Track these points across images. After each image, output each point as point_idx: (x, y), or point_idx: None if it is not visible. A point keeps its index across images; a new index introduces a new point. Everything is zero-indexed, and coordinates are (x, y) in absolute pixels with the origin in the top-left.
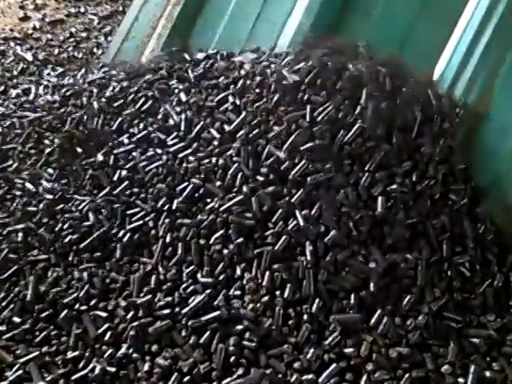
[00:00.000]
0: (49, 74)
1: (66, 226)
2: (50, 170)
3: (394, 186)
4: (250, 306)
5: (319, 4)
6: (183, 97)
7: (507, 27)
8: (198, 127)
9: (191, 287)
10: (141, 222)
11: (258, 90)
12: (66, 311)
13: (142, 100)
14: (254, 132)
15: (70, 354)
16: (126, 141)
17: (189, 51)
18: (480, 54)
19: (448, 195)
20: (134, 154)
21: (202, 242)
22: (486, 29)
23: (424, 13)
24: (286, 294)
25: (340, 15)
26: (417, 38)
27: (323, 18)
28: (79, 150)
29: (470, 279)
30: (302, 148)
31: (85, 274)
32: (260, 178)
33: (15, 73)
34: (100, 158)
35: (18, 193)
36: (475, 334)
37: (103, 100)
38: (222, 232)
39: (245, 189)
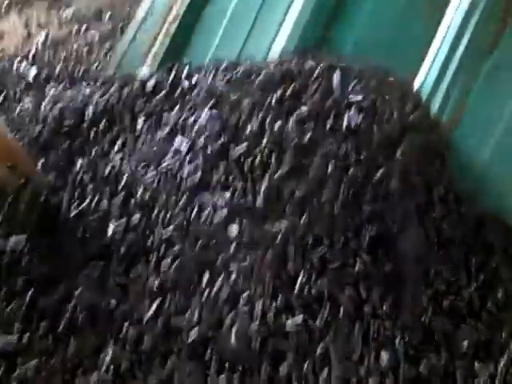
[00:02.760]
0: (51, 90)
1: None
2: None
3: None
4: None
5: (307, 18)
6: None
7: (478, 44)
8: None
9: None
10: None
11: None
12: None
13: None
14: None
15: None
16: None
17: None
18: (454, 68)
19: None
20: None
21: None
22: (460, 43)
23: (409, 21)
24: None
25: (327, 27)
26: (402, 46)
27: (310, 32)
28: None
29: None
30: None
31: None
32: None
33: (18, 90)
34: None
35: None
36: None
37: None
38: None
39: None
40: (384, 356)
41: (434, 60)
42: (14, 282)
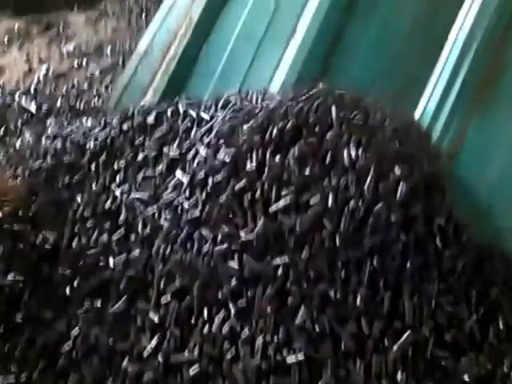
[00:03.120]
0: (51, 124)
1: None
2: None
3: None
4: None
5: (308, 49)
6: None
7: (477, 74)
8: None
9: None
10: None
11: None
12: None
13: None
14: None
15: None
16: None
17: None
18: (454, 98)
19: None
20: None
21: None
22: (459, 74)
23: (408, 53)
24: None
25: (327, 59)
26: (402, 77)
27: (311, 64)
28: None
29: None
30: None
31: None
32: None
33: (19, 124)
34: None
35: None
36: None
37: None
38: None
39: None
40: None
41: (433, 90)
42: (12, 319)
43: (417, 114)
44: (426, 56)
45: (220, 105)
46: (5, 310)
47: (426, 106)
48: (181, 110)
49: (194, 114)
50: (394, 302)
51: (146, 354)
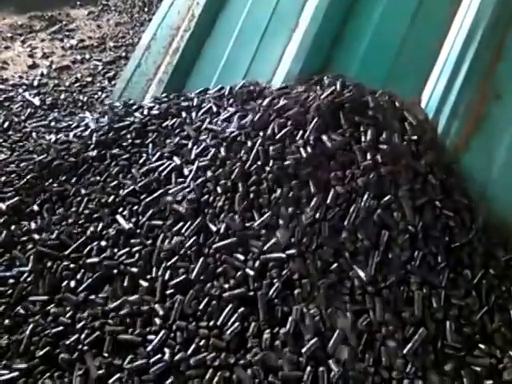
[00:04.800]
0: (55, 117)
1: None
2: None
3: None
4: None
5: (311, 41)
6: None
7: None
8: None
9: None
10: None
11: None
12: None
13: None
14: None
15: None
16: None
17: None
18: (459, 87)
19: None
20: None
21: None
22: (464, 61)
23: (411, 41)
24: None
25: (331, 49)
26: (404, 68)
27: (314, 56)
28: None
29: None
30: None
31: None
32: None
33: (23, 117)
34: None
35: None
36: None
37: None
38: None
39: None
40: None
41: (438, 80)
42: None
43: (422, 103)
44: (427, 49)
45: (224, 95)
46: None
47: (431, 96)
48: (183, 103)
49: (196, 106)
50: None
51: None
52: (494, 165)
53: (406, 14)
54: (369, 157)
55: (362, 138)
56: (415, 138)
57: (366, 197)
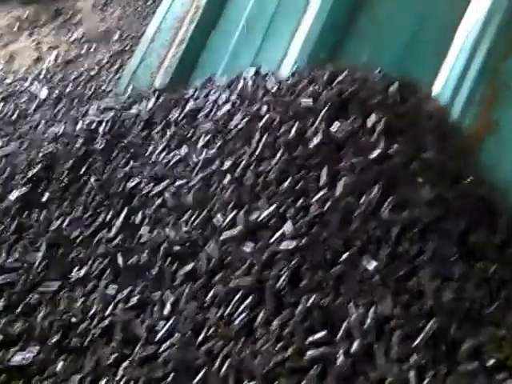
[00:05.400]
0: (62, 109)
1: None
2: None
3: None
4: None
5: (320, 28)
6: None
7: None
8: None
9: None
10: None
11: None
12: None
13: None
14: None
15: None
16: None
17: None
18: (474, 74)
19: None
20: None
21: None
22: (481, 46)
23: (422, 30)
24: None
25: (338, 40)
26: (415, 55)
27: (324, 42)
28: None
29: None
30: None
31: None
32: None
33: (30, 109)
34: None
35: None
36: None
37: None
38: None
39: None
40: None
41: (453, 66)
42: None
43: (435, 89)
44: (440, 37)
45: (231, 83)
46: None
47: (445, 82)
48: (190, 93)
49: (202, 96)
50: None
51: None
52: (510, 155)
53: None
54: (380, 147)
55: (373, 128)
56: (428, 127)
57: (376, 187)
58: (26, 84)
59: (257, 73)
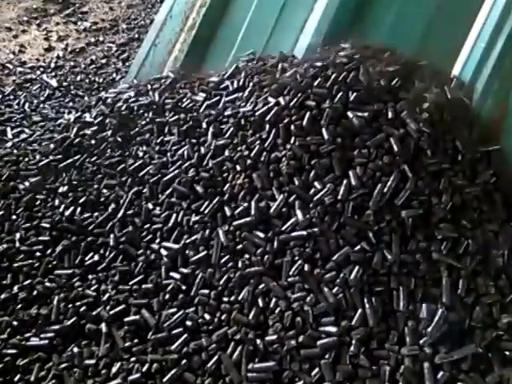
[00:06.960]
0: (73, 98)
1: None
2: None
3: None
4: None
5: (333, 13)
6: None
7: None
8: None
9: None
10: None
11: None
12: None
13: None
14: None
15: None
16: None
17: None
18: (496, 57)
19: None
20: None
21: None
22: (502, 33)
23: (439, 15)
24: None
25: (353, 23)
26: (432, 41)
27: (337, 26)
28: None
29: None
30: None
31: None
32: None
33: (42, 98)
34: None
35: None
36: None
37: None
38: None
39: None
40: None
41: (473, 46)
42: None
43: (456, 70)
44: (459, 23)
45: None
46: None
47: (466, 62)
48: (201, 80)
49: (213, 82)
50: None
51: None
52: None
53: None
54: (395, 136)
55: (389, 115)
56: (446, 116)
57: (392, 177)
58: (38, 73)
59: (268, 57)
